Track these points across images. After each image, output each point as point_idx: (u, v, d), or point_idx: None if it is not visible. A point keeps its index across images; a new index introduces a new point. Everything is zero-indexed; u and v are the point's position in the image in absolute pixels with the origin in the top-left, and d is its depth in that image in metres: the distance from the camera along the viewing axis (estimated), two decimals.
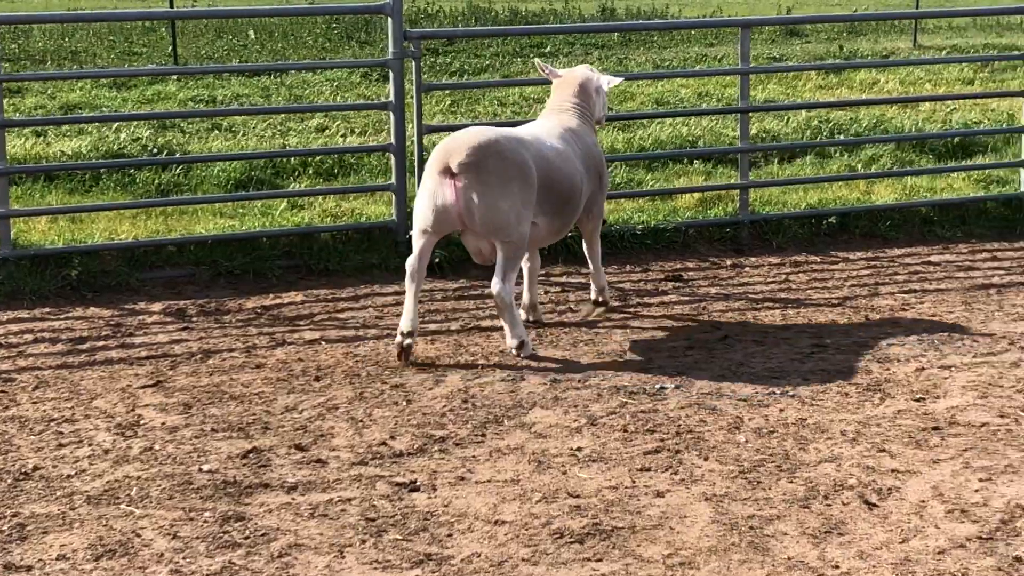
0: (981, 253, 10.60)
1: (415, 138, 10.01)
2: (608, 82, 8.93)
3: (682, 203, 11.26)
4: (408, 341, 7.91)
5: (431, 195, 7.84)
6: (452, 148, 7.82)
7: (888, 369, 7.86)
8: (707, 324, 8.78)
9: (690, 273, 9.96)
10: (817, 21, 24.83)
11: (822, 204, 11.13)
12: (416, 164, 9.98)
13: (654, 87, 17.76)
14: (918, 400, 7.36)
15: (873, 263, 10.30)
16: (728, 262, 10.27)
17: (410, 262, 7.97)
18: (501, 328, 8.32)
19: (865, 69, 19.73)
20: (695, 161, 12.75)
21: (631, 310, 9.10)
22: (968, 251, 10.66)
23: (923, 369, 7.86)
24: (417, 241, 8.00)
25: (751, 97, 17.45)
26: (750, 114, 11.59)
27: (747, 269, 10.06)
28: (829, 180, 11.51)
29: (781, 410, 7.20)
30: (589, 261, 8.98)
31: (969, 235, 11.01)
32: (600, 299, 9.10)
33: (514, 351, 8.07)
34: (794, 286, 9.71)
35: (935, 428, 6.94)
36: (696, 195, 11.28)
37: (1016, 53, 21.26)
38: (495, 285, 7.91)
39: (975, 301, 9.31)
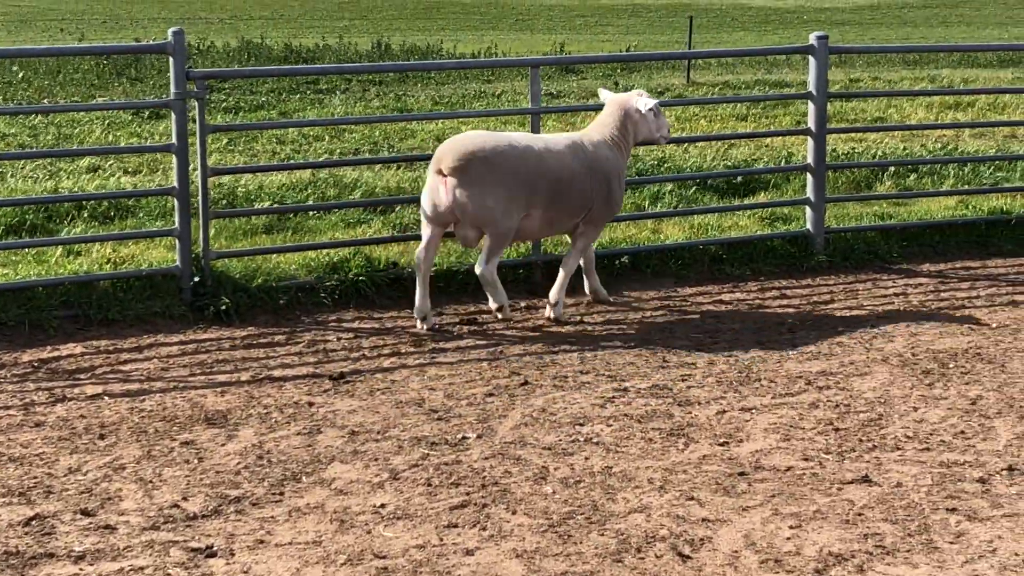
0: (771, 291, 10.65)
1: (199, 181, 9.62)
2: (644, 105, 9.72)
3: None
4: (424, 325, 9.33)
5: (429, 192, 9.14)
6: (444, 152, 9.05)
7: (690, 412, 7.78)
8: (506, 369, 8.60)
9: (485, 316, 9.76)
10: (597, 61, 24.93)
11: (613, 243, 11.05)
12: (201, 208, 9.61)
13: (436, 125, 17.61)
14: (722, 444, 7.28)
15: (666, 303, 10.26)
16: (523, 304, 10.11)
17: (418, 252, 9.33)
18: (295, 378, 8.09)
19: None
20: None
21: (427, 356, 8.87)
22: (758, 289, 10.70)
23: (724, 412, 7.80)
24: (424, 231, 9.28)
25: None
26: None
27: (542, 310, 9.91)
28: (618, 220, 11.44)
29: (586, 458, 7.05)
30: (561, 269, 9.67)
31: (758, 273, 11.05)
32: (551, 315, 9.65)
33: (496, 313, 9.48)
34: (589, 327, 9.59)
35: (741, 473, 6.86)
36: None
37: (787, 93, 21.73)
38: (479, 266, 9.25)
39: (769, 340, 9.32)
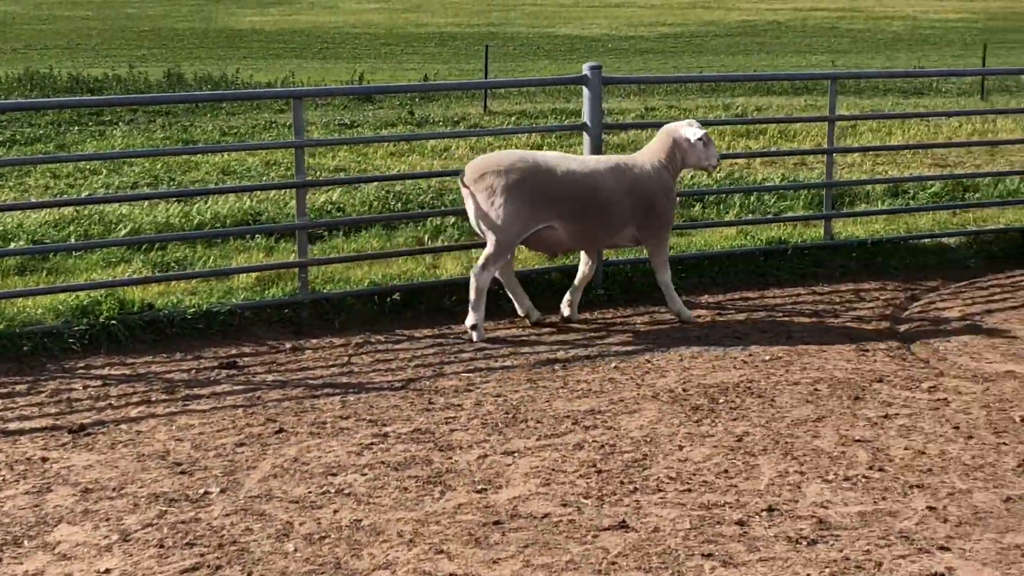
0: (546, 327, 10.40)
1: None
2: (693, 135, 10.19)
3: (239, 283, 10.64)
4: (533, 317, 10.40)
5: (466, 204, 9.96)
6: (468, 168, 9.88)
7: (450, 458, 7.48)
8: (262, 416, 8.20)
9: (246, 359, 9.36)
10: (394, 91, 24.54)
11: (387, 280, 10.72)
12: None
13: (220, 157, 17.12)
14: (480, 492, 6.99)
15: (439, 340, 9.95)
16: (288, 345, 9.72)
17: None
18: (32, 431, 7.70)
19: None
20: (257, 236, 12.18)
21: (179, 403, 8.42)
22: (534, 324, 10.44)
23: (486, 456, 7.52)
24: None
25: (323, 166, 17.15)
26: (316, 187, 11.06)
27: (308, 352, 9.55)
28: (390, 256, 11.11)
29: (335, 511, 6.70)
30: (661, 287, 10.48)
31: (537, 307, 10.79)
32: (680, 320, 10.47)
33: (469, 330, 9.84)
34: (356, 369, 9.24)
35: (496, 522, 6.58)
36: (255, 274, 10.67)
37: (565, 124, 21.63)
38: (475, 269, 9.81)
39: (540, 378, 9.07)
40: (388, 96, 27.22)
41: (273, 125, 22.14)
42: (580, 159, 10.12)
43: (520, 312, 10.44)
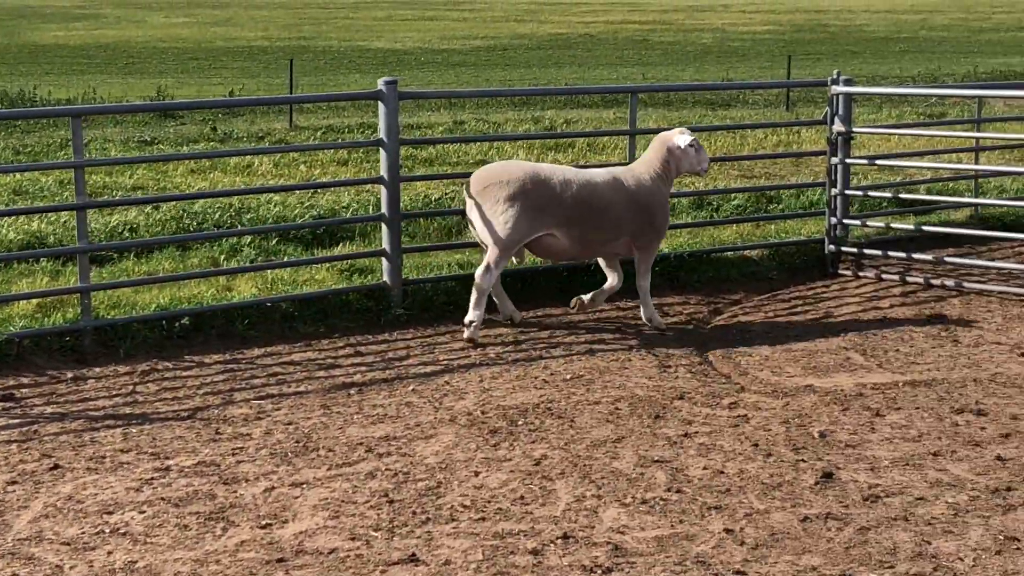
0: (344, 348, 10.11)
1: None
2: (684, 141, 10.56)
3: (19, 310, 10.13)
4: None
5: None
6: (472, 178, 10.36)
7: (235, 492, 7.15)
8: (37, 451, 7.76)
9: (24, 391, 8.90)
10: (196, 107, 24.04)
11: (177, 303, 10.31)
12: None
13: (11, 177, 16.48)
14: (264, 527, 6.67)
15: (230, 366, 9.59)
16: (69, 375, 9.27)
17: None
18: None
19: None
20: (43, 261, 11.66)
21: None
22: (330, 347, 10.14)
23: (273, 489, 7.20)
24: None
25: (119, 184, 16.56)
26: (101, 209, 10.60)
27: (90, 382, 9.12)
28: (177, 279, 10.68)
29: (109, 552, 6.34)
30: (640, 292, 10.71)
31: (333, 329, 10.50)
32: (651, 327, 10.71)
33: (464, 327, 10.27)
34: (141, 398, 8.84)
35: (280, 560, 6.28)
36: (36, 301, 10.16)
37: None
38: (478, 273, 10.24)
39: (335, 403, 8.77)
40: (191, 112, 26.61)
41: (70, 143, 21.40)
42: (578, 171, 10.53)
43: (501, 316, 10.76)
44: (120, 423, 8.31)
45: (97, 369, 9.41)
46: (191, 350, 9.88)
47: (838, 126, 12.65)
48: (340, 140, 22.15)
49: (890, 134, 18.41)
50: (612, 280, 10.87)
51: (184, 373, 9.41)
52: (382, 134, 10.73)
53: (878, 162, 13.63)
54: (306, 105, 27.92)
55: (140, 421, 8.35)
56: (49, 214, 13.51)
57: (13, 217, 13.13)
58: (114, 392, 8.94)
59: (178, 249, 12.33)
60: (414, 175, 15.67)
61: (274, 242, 12.64)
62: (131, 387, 9.06)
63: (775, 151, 20.27)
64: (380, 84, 10.68)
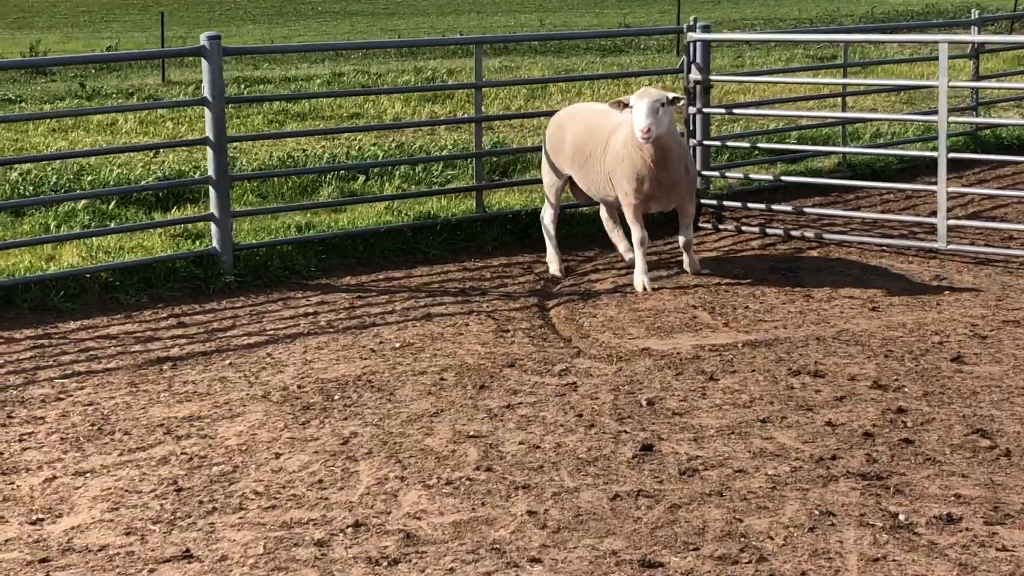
0: (167, 320, 9.61)
1: None
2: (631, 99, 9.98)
3: None
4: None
5: None
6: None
7: (12, 483, 6.67)
8: None
9: None
10: (69, 63, 23.25)
11: None
12: None
13: None
14: (35, 523, 6.19)
15: (40, 342, 9.07)
16: None
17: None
18: None
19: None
20: None
21: None
22: (152, 318, 9.64)
23: (55, 478, 6.72)
24: None
25: None
26: None
27: None
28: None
29: None
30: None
31: (158, 299, 10.00)
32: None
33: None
34: None
35: (44, 560, 5.83)
36: None
37: (182, 100, 20.86)
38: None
39: (144, 380, 8.29)
40: (63, 67, 25.85)
41: None
42: (607, 111, 10.34)
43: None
44: None
45: None
46: (1, 325, 9.33)
47: (695, 75, 12.26)
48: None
49: (749, 82, 18.05)
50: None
51: None
52: (206, 92, 10.20)
53: (736, 111, 13.26)
54: (186, 59, 27.16)
55: None
56: None
57: None
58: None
59: (11, 215, 11.74)
60: (241, 135, 15.07)
61: (112, 205, 12.07)
62: None
63: None
64: (203, 40, 10.15)
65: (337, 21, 46.38)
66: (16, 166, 13.24)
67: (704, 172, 12.47)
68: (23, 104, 20.96)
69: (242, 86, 23.14)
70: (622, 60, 29.09)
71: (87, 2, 57.23)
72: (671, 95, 9.94)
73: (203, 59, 10.15)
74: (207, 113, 10.23)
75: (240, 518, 6.23)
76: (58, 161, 13.83)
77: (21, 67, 22.48)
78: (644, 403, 7.74)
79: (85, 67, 25.91)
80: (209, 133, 10.20)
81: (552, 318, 9.68)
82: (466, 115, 17.83)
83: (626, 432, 7.28)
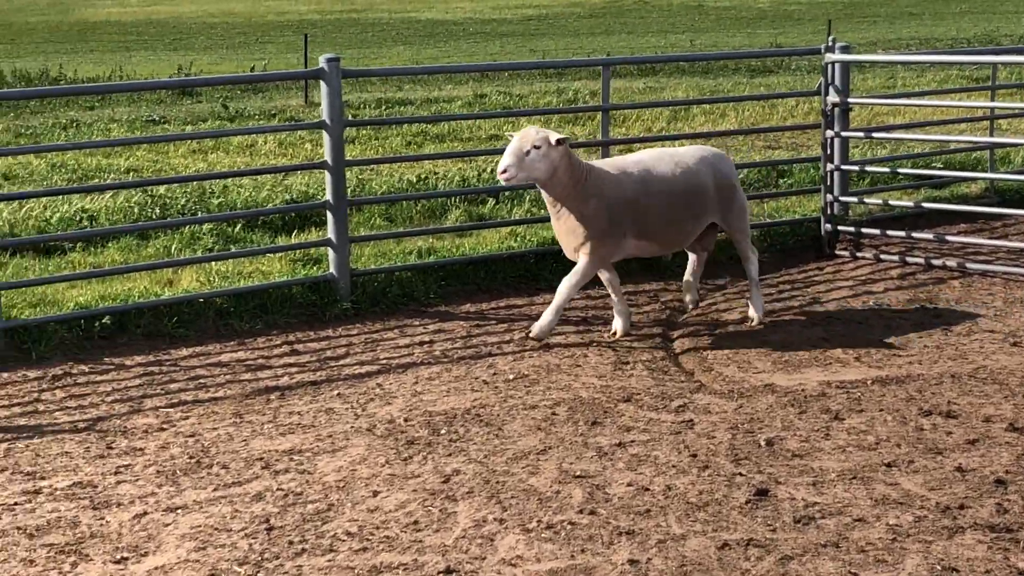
0: (280, 347, 9.43)
1: None
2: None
3: None
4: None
5: None
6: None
7: (102, 519, 6.50)
8: None
9: None
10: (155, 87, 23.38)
11: (101, 301, 9.66)
12: None
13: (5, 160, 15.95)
14: (119, 562, 6.00)
15: (150, 369, 8.94)
16: None
17: None
18: None
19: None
20: None
21: None
22: (265, 345, 9.47)
23: (145, 514, 6.54)
24: None
25: (114, 167, 15.92)
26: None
27: None
28: (95, 275, 10.00)
29: None
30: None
31: (272, 326, 9.82)
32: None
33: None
34: (42, 407, 8.21)
35: None
36: None
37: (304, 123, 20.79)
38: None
39: (249, 410, 8.10)
40: (209, 89, 26.06)
41: (75, 124, 20.91)
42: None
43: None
44: (8, 437, 7.68)
45: (4, 375, 8.78)
46: (113, 351, 9.23)
47: (833, 97, 11.81)
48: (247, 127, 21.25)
49: (890, 104, 17.44)
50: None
51: (99, 377, 8.77)
52: (325, 116, 10.02)
53: (876, 135, 12.76)
54: None
55: (30, 434, 7.71)
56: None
57: None
58: (15, 400, 8.31)
59: (138, 239, 11.69)
60: (360, 159, 14.86)
61: (237, 228, 11.96)
62: (36, 394, 8.43)
63: (805, 121, 19.14)
64: (321, 62, 9.97)
65: (488, 42, 46.35)
66: (147, 188, 13.19)
67: (842, 198, 12.00)
68: (166, 125, 21.10)
69: (383, 107, 23.07)
70: (770, 81, 28.52)
71: (242, 24, 57.97)
72: (556, 136, 8.98)
73: (321, 81, 9.96)
74: (325, 136, 10.04)
75: (329, 561, 5.98)
76: (186, 183, 13.77)
77: (106, 91, 22.55)
78: (763, 443, 7.34)
79: (230, 89, 26.02)
80: (327, 157, 10.01)
81: (675, 349, 9.32)
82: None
83: (741, 475, 6.89)
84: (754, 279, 9.95)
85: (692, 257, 10.05)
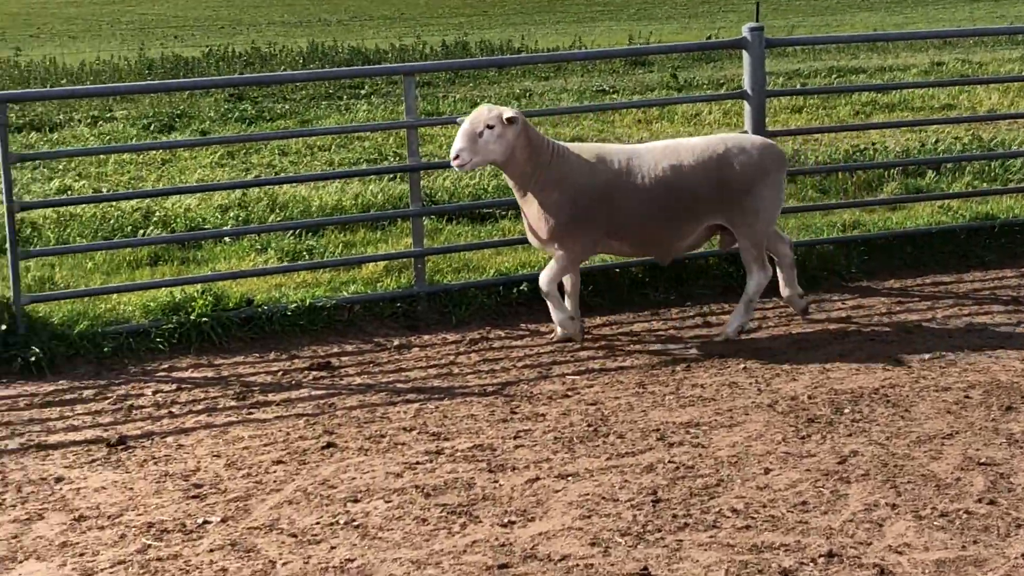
0: (694, 319, 9.39)
1: (5, 215, 8.68)
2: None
3: (363, 274, 9.96)
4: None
5: None
6: None
7: (496, 482, 6.64)
8: (320, 428, 7.51)
9: (344, 359, 8.70)
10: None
11: (519, 268, 9.87)
12: (9, 247, 8.69)
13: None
14: (505, 525, 6.13)
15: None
16: (396, 342, 9.01)
17: None
18: (72, 444, 7.37)
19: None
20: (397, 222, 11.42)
21: (243, 412, 7.81)
22: (678, 316, 9.47)
23: (536, 480, 6.65)
24: None
25: (561, 136, 16.17)
26: None
27: (414, 350, 8.84)
28: (510, 243, 10.19)
29: (332, 548, 6.03)
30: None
31: (686, 297, 9.78)
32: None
33: None
34: (456, 370, 8.48)
35: (503, 566, 5.74)
36: (374, 265, 9.95)
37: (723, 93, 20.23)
38: None
39: (654, 381, 8.11)
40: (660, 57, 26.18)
41: (528, 93, 21.42)
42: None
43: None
44: (421, 397, 7.96)
45: (425, 337, 9.11)
46: (529, 318, 9.42)
47: None
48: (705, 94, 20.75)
49: None
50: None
51: (513, 343, 8.98)
52: (746, 85, 9.89)
53: None
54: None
55: (441, 396, 7.98)
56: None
57: (340, 182, 12.95)
58: (432, 362, 8.61)
59: None
60: (781, 129, 14.48)
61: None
62: (452, 357, 8.71)
63: None
64: (744, 31, 9.85)
65: (957, 7, 44.69)
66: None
67: None
68: (615, 95, 21.36)
69: (833, 76, 22.62)
70: None
71: None
72: (509, 113, 8.26)
73: (744, 51, 9.84)
74: (746, 106, 9.92)
75: (710, 537, 5.92)
76: None
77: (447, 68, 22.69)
78: None
79: (682, 59, 26.09)
80: (747, 127, 9.88)
81: None
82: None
83: None
84: (749, 297, 8.87)
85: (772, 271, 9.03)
